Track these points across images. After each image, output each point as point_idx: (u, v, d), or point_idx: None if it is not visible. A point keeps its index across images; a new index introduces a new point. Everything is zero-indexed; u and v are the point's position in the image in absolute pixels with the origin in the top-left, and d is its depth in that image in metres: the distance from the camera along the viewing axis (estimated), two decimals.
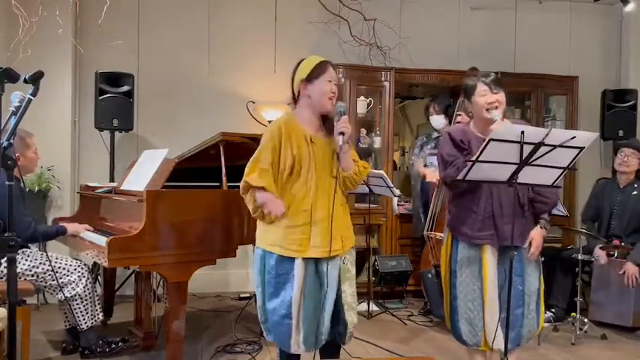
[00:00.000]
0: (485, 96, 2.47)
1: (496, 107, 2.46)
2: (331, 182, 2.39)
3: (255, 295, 4.45)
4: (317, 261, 2.38)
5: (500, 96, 2.49)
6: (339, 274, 2.43)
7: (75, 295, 3.18)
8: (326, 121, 2.47)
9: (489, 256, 2.50)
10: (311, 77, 2.38)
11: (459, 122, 4.01)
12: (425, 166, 4.50)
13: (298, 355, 2.48)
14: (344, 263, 2.46)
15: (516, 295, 2.49)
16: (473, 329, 2.54)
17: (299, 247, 2.34)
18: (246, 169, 2.37)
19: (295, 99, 2.47)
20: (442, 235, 3.93)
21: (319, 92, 2.38)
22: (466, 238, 2.53)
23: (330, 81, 2.39)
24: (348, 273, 2.48)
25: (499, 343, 2.45)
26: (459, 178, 2.31)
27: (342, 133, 2.30)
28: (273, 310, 2.37)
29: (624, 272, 3.97)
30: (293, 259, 2.34)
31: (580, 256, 3.85)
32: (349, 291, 2.48)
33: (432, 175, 4.27)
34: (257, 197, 2.35)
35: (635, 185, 4.28)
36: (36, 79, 2.09)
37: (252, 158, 2.38)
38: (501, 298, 2.46)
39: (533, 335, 2.63)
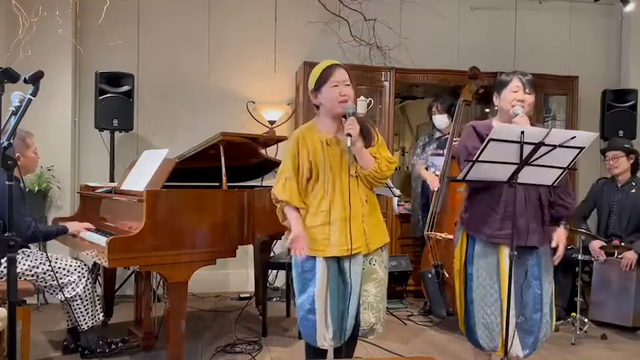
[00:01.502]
0: (517, 92, 2.47)
1: (522, 107, 2.45)
2: (351, 182, 2.43)
3: (253, 294, 4.50)
4: (339, 259, 2.43)
5: (530, 98, 2.49)
6: (362, 272, 2.45)
7: (75, 296, 3.18)
8: None
9: (506, 257, 2.45)
10: (318, 86, 2.44)
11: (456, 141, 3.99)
12: (427, 168, 4.49)
13: (325, 351, 2.52)
14: (370, 263, 2.47)
15: (535, 299, 2.47)
16: (490, 334, 2.49)
17: (319, 247, 2.41)
18: (275, 181, 2.51)
19: (317, 105, 2.55)
20: (442, 235, 3.98)
21: (328, 99, 2.43)
22: (485, 237, 2.49)
23: (335, 85, 2.40)
24: (374, 274, 2.48)
25: (517, 349, 2.43)
26: (458, 178, 2.31)
27: (349, 135, 2.32)
28: (300, 305, 2.47)
29: (622, 257, 3.99)
30: (315, 258, 2.42)
31: (580, 256, 3.85)
32: (373, 291, 2.48)
33: (433, 180, 4.24)
34: (287, 218, 2.47)
35: (633, 183, 4.29)
36: (36, 79, 2.09)
37: (278, 170, 2.52)
38: (518, 302, 2.43)
39: (547, 339, 2.59)
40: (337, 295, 2.42)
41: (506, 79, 2.53)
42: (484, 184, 2.47)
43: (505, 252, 2.47)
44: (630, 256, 3.99)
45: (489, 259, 2.50)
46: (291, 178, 2.44)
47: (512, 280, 2.35)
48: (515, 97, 2.47)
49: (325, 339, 2.43)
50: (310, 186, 2.45)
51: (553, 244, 2.49)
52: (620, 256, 4.04)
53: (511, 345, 2.38)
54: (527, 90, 2.48)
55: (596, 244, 4.13)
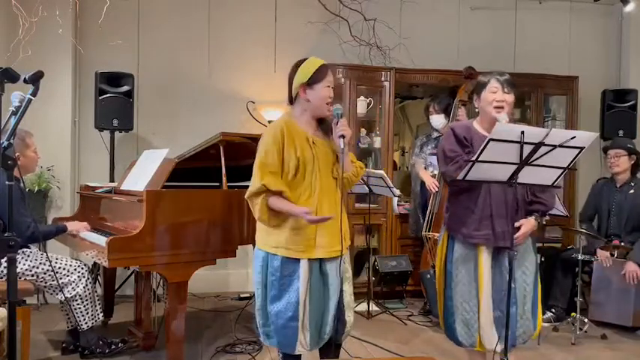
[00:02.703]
0: (496, 93, 2.48)
1: (502, 107, 2.46)
2: (332, 183, 2.42)
3: (253, 294, 4.48)
4: (321, 261, 2.39)
5: (510, 97, 2.49)
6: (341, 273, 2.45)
7: (75, 296, 3.18)
8: (322, 123, 2.48)
9: (485, 257, 2.50)
10: (312, 82, 2.37)
11: (459, 116, 4.02)
12: (425, 168, 4.51)
13: (299, 356, 2.47)
14: (344, 263, 2.46)
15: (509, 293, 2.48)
16: (469, 330, 2.53)
17: (305, 248, 2.35)
18: (257, 173, 2.32)
19: (292, 100, 2.47)
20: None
21: (319, 97, 2.38)
22: (462, 236, 2.52)
23: (328, 86, 2.39)
24: (347, 272, 2.51)
25: (492, 344, 2.45)
26: (458, 177, 2.31)
27: (343, 136, 2.30)
28: (277, 313, 2.35)
29: (625, 273, 3.96)
30: (298, 260, 2.34)
31: (580, 256, 3.85)
32: (349, 291, 2.51)
33: (431, 182, 4.26)
34: (276, 207, 2.31)
35: (632, 184, 4.29)
36: (36, 79, 2.09)
37: (258, 162, 2.33)
38: (494, 298, 2.47)
39: (529, 337, 2.60)
40: (318, 298, 2.38)
41: (484, 81, 2.54)
42: (465, 185, 2.47)
43: (484, 252, 2.50)
44: (631, 267, 3.95)
45: (468, 258, 2.53)
46: (277, 173, 2.32)
47: (509, 278, 2.35)
48: (494, 97, 2.48)
49: (302, 345, 2.37)
50: (294, 184, 2.36)
51: (516, 225, 2.44)
52: (618, 257, 4.04)
53: (506, 341, 2.38)
54: (505, 89, 2.48)
55: (602, 253, 4.10)
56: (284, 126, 2.37)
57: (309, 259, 2.35)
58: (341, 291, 2.45)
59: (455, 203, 2.59)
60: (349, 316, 2.50)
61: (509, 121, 2.46)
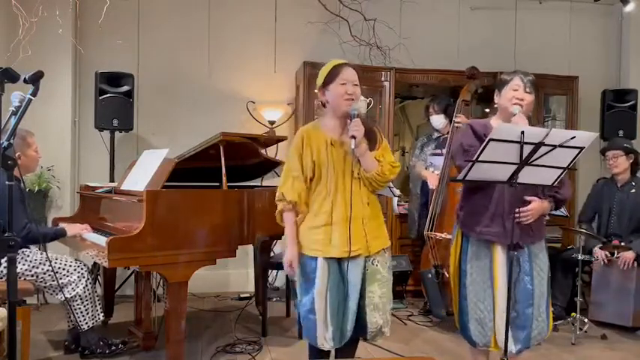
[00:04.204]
0: (517, 91, 2.49)
1: (521, 105, 2.47)
2: (354, 183, 2.43)
3: (253, 294, 4.50)
4: (339, 260, 2.42)
5: (530, 97, 2.50)
6: (365, 274, 2.45)
7: (75, 296, 3.18)
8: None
9: (500, 255, 2.49)
10: (325, 82, 2.44)
11: (458, 122, 4.03)
12: (426, 168, 4.50)
13: (328, 352, 2.51)
14: (373, 264, 2.47)
15: (526, 294, 2.48)
16: (483, 329, 2.52)
17: (320, 247, 2.40)
18: (281, 179, 2.50)
19: (322, 105, 2.56)
20: (441, 235, 3.98)
21: (334, 96, 2.42)
22: (476, 234, 2.51)
23: (344, 83, 2.40)
24: (378, 274, 2.48)
25: (509, 344, 2.43)
26: (458, 178, 2.31)
27: (354, 137, 2.31)
28: (302, 304, 2.46)
29: (621, 260, 3.99)
30: (316, 259, 2.41)
31: (580, 256, 3.85)
32: (378, 292, 2.47)
33: (433, 178, 4.26)
34: (285, 225, 2.48)
35: (633, 183, 4.30)
36: (36, 79, 2.09)
37: (284, 169, 2.51)
38: (510, 298, 2.45)
39: (543, 338, 2.58)
40: (337, 295, 2.41)
41: (507, 78, 2.56)
42: (479, 183, 2.47)
43: (498, 250, 2.49)
44: (628, 255, 4.00)
45: (483, 256, 2.52)
46: (298, 177, 2.42)
47: (512, 279, 2.35)
48: (514, 95, 2.49)
49: (326, 339, 2.41)
50: (312, 186, 2.45)
51: (528, 199, 2.45)
52: (618, 256, 4.05)
53: (506, 341, 2.38)
54: (527, 89, 2.50)
55: (600, 252, 4.11)
56: (304, 132, 2.49)
57: (325, 258, 2.39)
58: (365, 291, 2.44)
59: (469, 201, 2.58)
60: (375, 317, 2.46)
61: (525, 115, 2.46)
